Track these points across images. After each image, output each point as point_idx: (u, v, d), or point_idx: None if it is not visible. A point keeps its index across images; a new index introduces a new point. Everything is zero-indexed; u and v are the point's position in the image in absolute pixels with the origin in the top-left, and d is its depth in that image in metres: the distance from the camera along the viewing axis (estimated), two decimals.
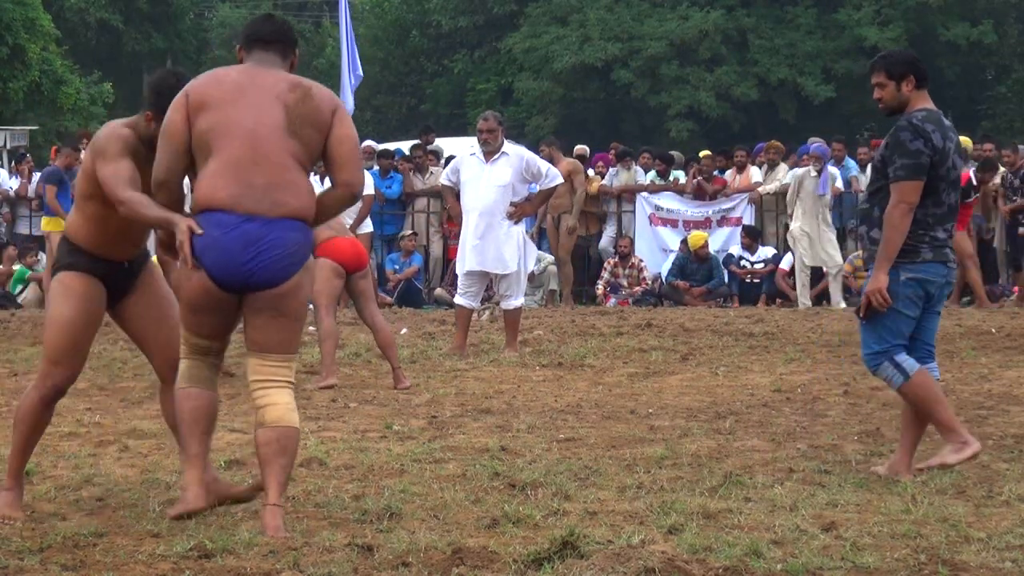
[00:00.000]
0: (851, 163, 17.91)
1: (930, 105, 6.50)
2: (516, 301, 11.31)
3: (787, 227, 17.78)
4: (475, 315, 13.08)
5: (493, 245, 11.18)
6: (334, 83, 23.08)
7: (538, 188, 11.63)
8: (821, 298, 16.41)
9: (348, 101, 21.25)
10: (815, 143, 18.44)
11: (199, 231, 5.15)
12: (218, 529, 5.29)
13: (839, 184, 17.20)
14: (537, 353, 11.19)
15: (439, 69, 38.97)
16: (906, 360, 6.43)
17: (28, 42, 29.05)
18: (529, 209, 11.68)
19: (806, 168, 16.23)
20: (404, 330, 12.62)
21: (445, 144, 20.36)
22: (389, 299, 16.53)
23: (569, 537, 4.84)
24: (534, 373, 10.23)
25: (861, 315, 6.42)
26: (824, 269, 16.42)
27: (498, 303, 12.01)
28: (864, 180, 17.57)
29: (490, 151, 11.23)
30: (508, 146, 11.40)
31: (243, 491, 5.66)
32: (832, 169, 16.39)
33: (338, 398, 8.93)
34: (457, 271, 12.24)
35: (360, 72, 20.41)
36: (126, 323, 5.77)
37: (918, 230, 6.35)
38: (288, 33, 5.46)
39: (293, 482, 6.23)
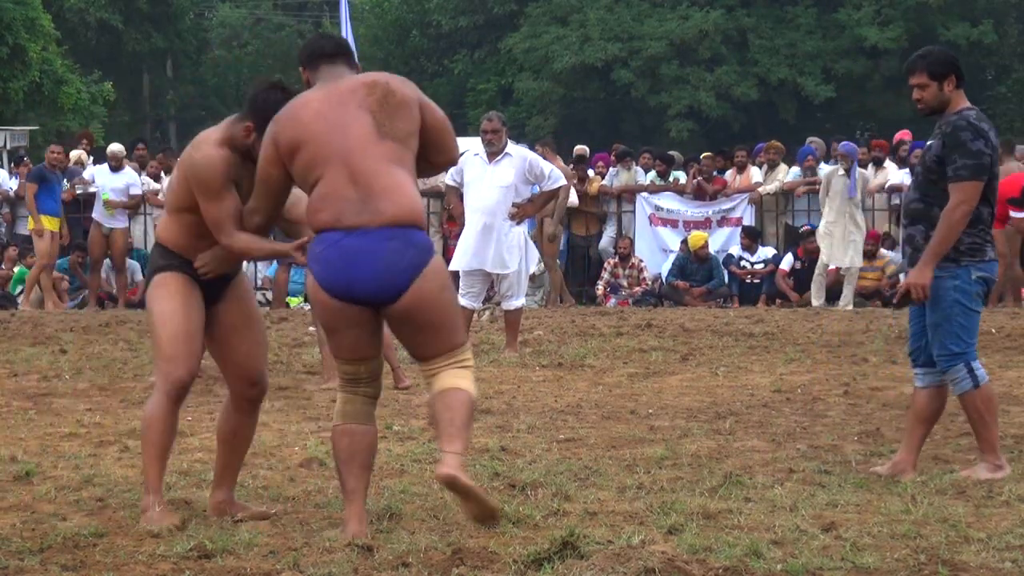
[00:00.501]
0: None
1: (969, 104, 6.50)
2: (517, 301, 11.31)
3: (786, 226, 17.81)
4: (475, 315, 13.08)
5: (494, 245, 11.18)
6: None
7: (540, 189, 11.63)
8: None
9: None
10: (812, 143, 18.45)
11: (314, 249, 5.17)
12: (218, 529, 5.29)
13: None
14: (537, 353, 11.19)
15: (439, 69, 38.98)
16: (980, 368, 6.47)
17: (28, 42, 29.04)
18: (531, 210, 11.67)
19: (835, 167, 16.12)
20: None
21: None
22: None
23: (569, 537, 4.84)
24: (534, 373, 10.23)
25: (895, 303, 6.45)
26: (830, 267, 16.38)
27: (498, 304, 12.01)
28: (862, 181, 17.57)
29: (493, 152, 11.23)
30: (511, 147, 11.40)
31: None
32: (862, 170, 16.25)
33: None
34: (451, 268, 12.22)
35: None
36: (210, 329, 5.64)
37: (982, 229, 6.38)
38: (347, 45, 5.44)
39: (293, 483, 6.24)
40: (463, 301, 11.39)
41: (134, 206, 16.90)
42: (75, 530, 5.24)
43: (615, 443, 7.24)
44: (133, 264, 17.24)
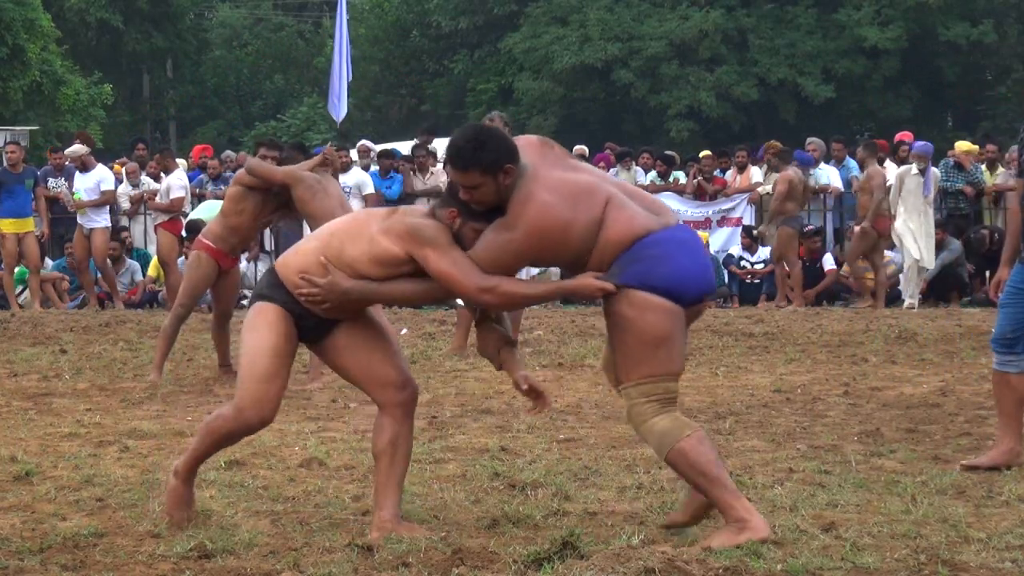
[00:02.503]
0: (851, 163, 17.89)
1: None
2: None
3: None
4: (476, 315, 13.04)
5: None
6: None
7: None
8: (821, 298, 16.39)
9: (343, 101, 21.31)
10: (811, 144, 18.40)
11: (611, 281, 4.93)
12: (218, 529, 5.29)
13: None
14: (537, 353, 11.19)
15: (439, 69, 38.98)
16: None
17: (28, 42, 29.06)
18: None
19: (907, 167, 15.93)
20: (404, 330, 12.62)
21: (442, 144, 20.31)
22: None
23: (569, 537, 4.83)
24: (534, 373, 10.22)
25: None
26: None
27: None
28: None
29: None
30: None
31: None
32: (933, 168, 16.10)
33: (338, 398, 8.92)
34: None
35: (350, 76, 20.50)
36: (332, 358, 5.34)
37: None
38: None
39: (293, 483, 6.24)
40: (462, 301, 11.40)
41: (104, 203, 16.60)
42: (75, 530, 5.23)
43: (615, 443, 7.24)
44: (133, 264, 17.24)
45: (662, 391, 4.98)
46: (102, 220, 16.34)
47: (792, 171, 16.06)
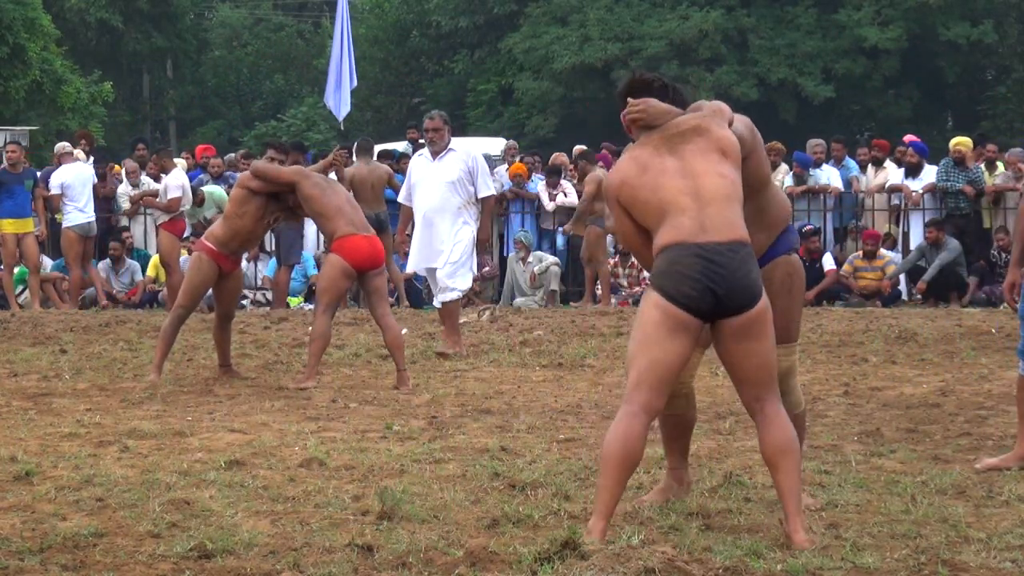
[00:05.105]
0: (851, 163, 17.89)
1: None
2: (450, 295, 11.36)
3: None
4: (475, 315, 13.11)
5: (437, 240, 11.27)
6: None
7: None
8: (821, 298, 16.38)
9: (345, 100, 21.29)
10: (818, 146, 18.38)
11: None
12: (218, 529, 5.29)
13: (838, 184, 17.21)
14: (537, 353, 11.18)
15: (439, 69, 38.98)
16: None
17: (28, 42, 29.04)
18: (483, 235, 11.66)
19: None
20: (404, 330, 12.62)
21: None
22: (390, 299, 16.51)
23: (569, 537, 4.84)
24: (534, 373, 10.23)
25: None
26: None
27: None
28: (865, 180, 17.55)
29: (436, 150, 11.32)
30: (456, 143, 11.52)
31: None
32: None
33: (338, 398, 8.92)
34: (407, 268, 12.35)
35: (355, 82, 20.52)
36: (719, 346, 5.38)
37: None
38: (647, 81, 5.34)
39: (293, 483, 6.24)
40: (438, 301, 11.55)
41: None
42: (75, 530, 5.23)
43: None
44: (133, 264, 17.23)
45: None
46: (71, 219, 16.32)
47: (600, 172, 16.02)
